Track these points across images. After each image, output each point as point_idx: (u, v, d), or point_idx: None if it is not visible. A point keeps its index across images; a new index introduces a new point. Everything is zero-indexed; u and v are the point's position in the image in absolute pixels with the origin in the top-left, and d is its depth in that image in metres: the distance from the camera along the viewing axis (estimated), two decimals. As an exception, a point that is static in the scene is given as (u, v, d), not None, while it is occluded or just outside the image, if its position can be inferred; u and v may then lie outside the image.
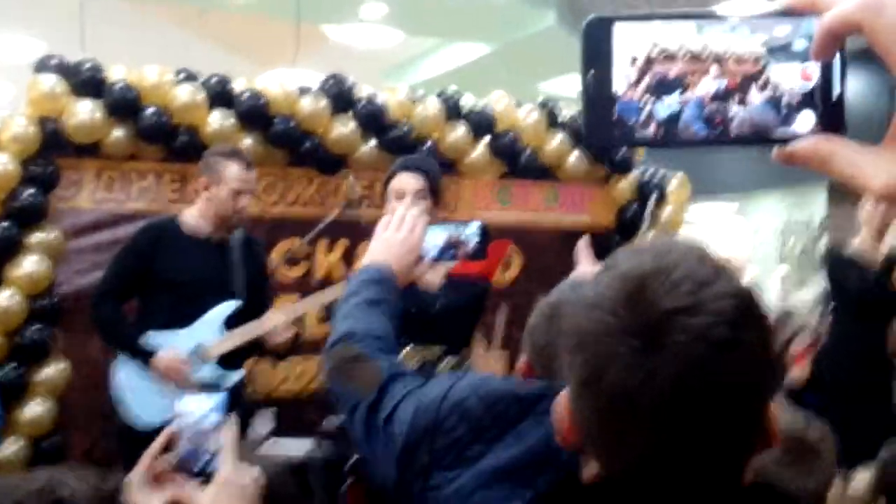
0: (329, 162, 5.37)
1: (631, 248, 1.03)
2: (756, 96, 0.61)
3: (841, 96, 0.60)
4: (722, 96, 0.62)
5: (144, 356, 3.72)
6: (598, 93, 0.62)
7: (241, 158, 3.88)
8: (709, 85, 0.61)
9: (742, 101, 0.62)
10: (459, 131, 5.70)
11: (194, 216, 3.93)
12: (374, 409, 1.43)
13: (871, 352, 4.68)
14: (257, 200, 5.28)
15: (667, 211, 6.18)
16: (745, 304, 0.92)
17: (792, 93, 0.61)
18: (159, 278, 3.80)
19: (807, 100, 0.60)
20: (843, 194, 7.94)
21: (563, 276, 2.34)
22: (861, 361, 4.74)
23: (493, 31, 10.10)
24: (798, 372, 5.89)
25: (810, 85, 0.61)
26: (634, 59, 0.62)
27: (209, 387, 3.51)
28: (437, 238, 2.29)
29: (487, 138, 5.83)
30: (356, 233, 5.45)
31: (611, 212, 6.21)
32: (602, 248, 6.53)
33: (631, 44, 0.62)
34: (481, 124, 5.78)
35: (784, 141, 0.60)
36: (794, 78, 0.61)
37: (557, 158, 5.99)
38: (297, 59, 9.80)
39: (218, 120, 4.99)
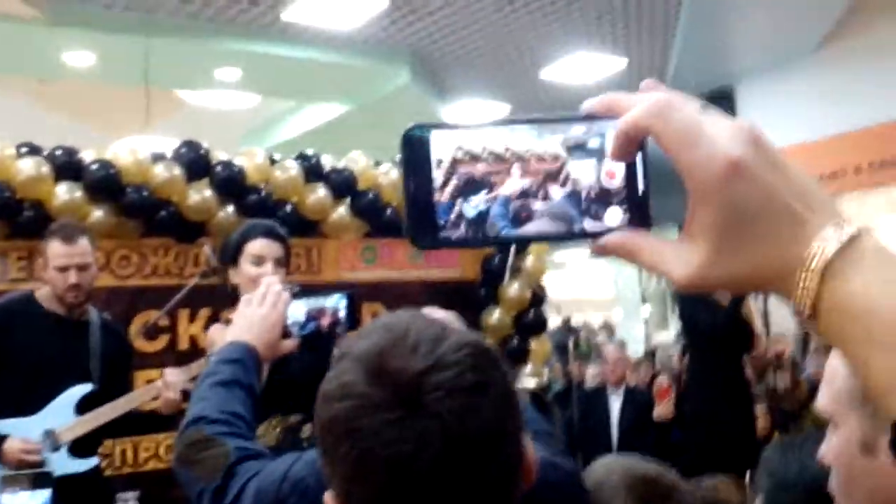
0: (186, 230, 5.25)
1: (356, 332, 1.07)
2: (557, 192, 0.64)
3: (646, 193, 0.63)
4: (526, 194, 0.64)
5: None
6: (416, 197, 0.64)
7: (61, 234, 3.68)
8: (514, 184, 0.64)
9: (545, 198, 0.64)
10: (320, 192, 5.68)
11: (48, 294, 3.75)
12: (220, 494, 1.40)
13: (729, 385, 4.88)
14: (111, 273, 5.11)
15: (528, 260, 6.31)
16: (480, 350, 0.98)
17: (596, 189, 0.64)
18: (9, 360, 3.60)
19: (615, 196, 0.63)
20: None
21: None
22: (720, 395, 4.94)
23: (349, 91, 10.18)
24: (663, 408, 6.11)
25: (616, 182, 0.64)
26: (441, 163, 0.65)
27: (40, 480, 3.33)
28: (298, 311, 2.27)
29: (349, 199, 5.83)
30: (218, 301, 5.34)
31: (476, 264, 6.30)
32: (468, 299, 6.63)
33: (442, 149, 0.65)
34: (342, 185, 5.78)
35: (597, 234, 0.63)
36: (593, 174, 0.64)
37: (419, 214, 6.04)
38: (153, 126, 9.59)
39: (65, 193, 4.81)
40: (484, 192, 0.64)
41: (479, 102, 11.33)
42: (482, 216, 0.64)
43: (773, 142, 0.58)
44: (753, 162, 0.56)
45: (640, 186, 0.64)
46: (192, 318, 5.34)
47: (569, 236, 0.65)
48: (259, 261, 3.18)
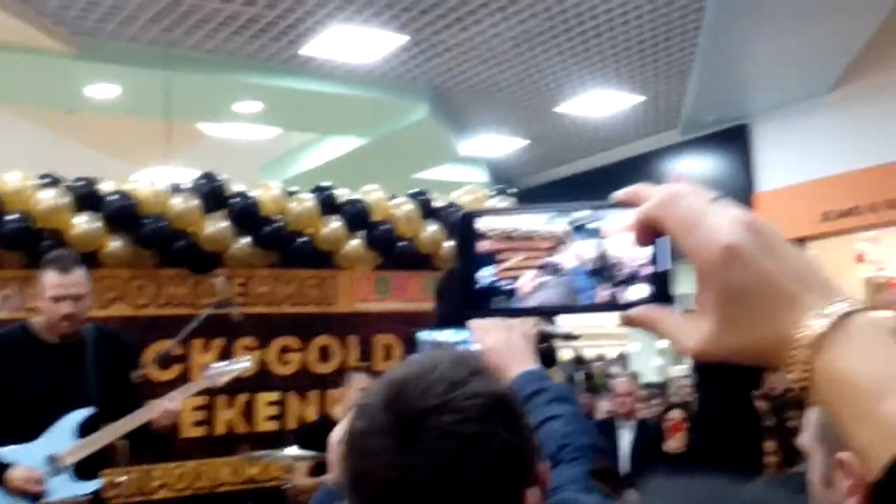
0: (202, 260, 5.32)
1: (406, 359, 1.16)
2: (581, 268, 0.73)
3: (667, 272, 0.71)
4: (549, 269, 0.73)
5: None
6: (465, 272, 0.73)
7: (57, 265, 3.71)
8: (537, 260, 0.73)
9: (564, 273, 0.73)
10: (334, 224, 5.76)
11: (42, 322, 3.79)
12: None
13: (737, 419, 4.88)
14: (127, 302, 5.19)
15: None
16: (496, 403, 1.03)
17: (626, 266, 0.72)
18: (8, 390, 3.63)
19: (641, 273, 0.72)
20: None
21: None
22: (728, 430, 4.93)
23: (368, 125, 10.29)
24: (674, 442, 6.09)
25: (643, 262, 0.72)
26: (484, 242, 0.73)
27: None
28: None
29: (363, 231, 5.90)
30: (232, 331, 5.41)
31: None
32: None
33: (485, 231, 0.73)
34: (356, 217, 5.85)
35: (624, 307, 0.71)
36: (624, 251, 0.72)
37: (433, 247, 6.10)
38: (174, 157, 9.73)
39: (83, 223, 4.90)
40: (518, 268, 0.72)
41: (496, 137, 11.41)
42: (511, 289, 0.72)
43: (774, 229, 0.64)
44: (748, 247, 0.61)
45: (663, 266, 0.71)
46: (206, 348, 5.41)
47: (598, 308, 0.72)
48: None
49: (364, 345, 5.98)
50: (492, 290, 0.72)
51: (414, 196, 6.19)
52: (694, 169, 11.18)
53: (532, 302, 0.72)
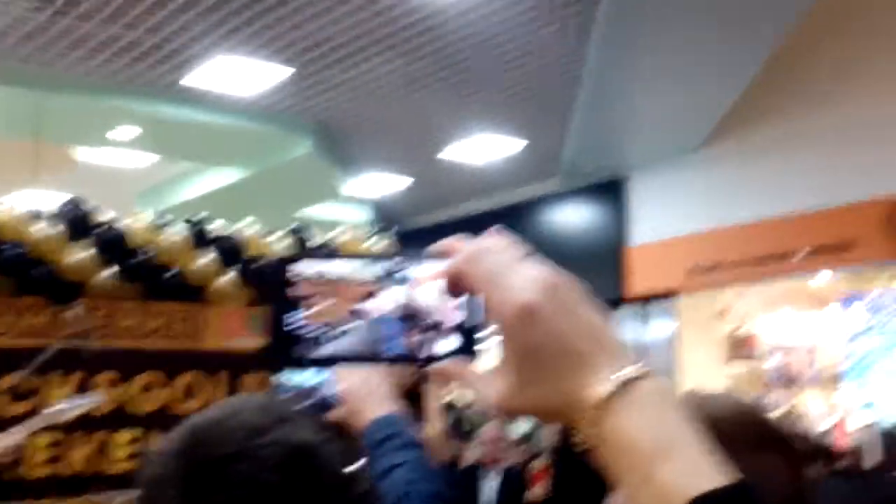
0: (63, 290, 5.10)
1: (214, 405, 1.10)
2: (388, 318, 0.72)
3: (473, 327, 0.71)
4: (358, 316, 0.71)
5: None
6: (273, 318, 0.71)
7: None
8: (346, 307, 0.71)
9: (366, 324, 0.71)
10: (206, 258, 5.62)
11: None
12: None
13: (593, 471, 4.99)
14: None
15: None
16: (300, 453, 0.99)
17: (433, 319, 0.71)
18: None
19: (449, 327, 0.71)
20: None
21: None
22: (586, 478, 5.04)
23: (250, 158, 10.17)
24: (538, 490, 6.16)
25: (450, 316, 0.71)
26: (297, 287, 0.71)
27: None
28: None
29: (236, 265, 5.78)
30: (92, 365, 5.19)
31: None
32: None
33: (298, 276, 0.72)
34: (230, 251, 5.73)
35: (434, 358, 0.71)
36: (436, 302, 0.71)
37: (307, 285, 6.02)
38: (45, 181, 9.35)
39: (-63, 246, 4.64)
40: (325, 313, 0.71)
41: (381, 177, 11.44)
42: (317, 339, 0.70)
43: (574, 288, 0.65)
44: (545, 307, 0.62)
45: (474, 320, 0.71)
46: (62, 382, 5.16)
47: (403, 359, 0.72)
48: None
49: (233, 383, 5.83)
50: (298, 338, 0.70)
51: (293, 232, 6.12)
52: (572, 219, 11.47)
53: (338, 350, 0.71)
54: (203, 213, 5.93)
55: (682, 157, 10.16)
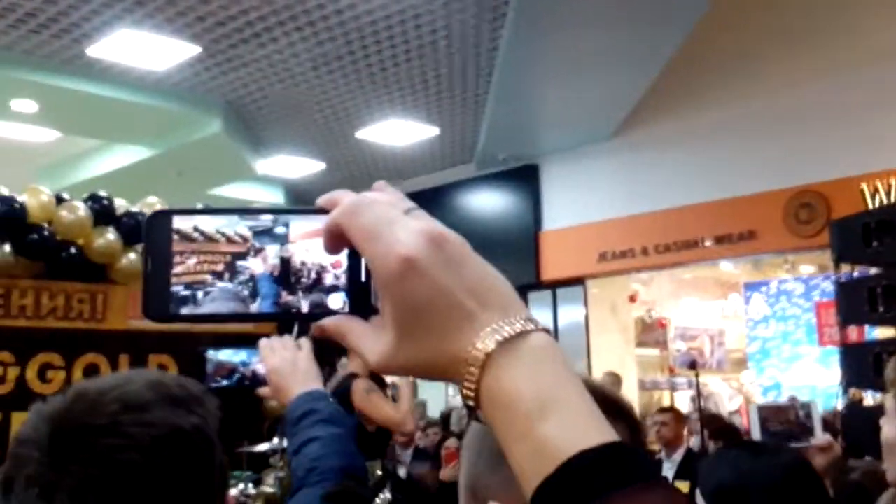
0: (-45, 267, 4.88)
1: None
2: (265, 274, 0.69)
3: (367, 283, 0.68)
4: (229, 273, 0.68)
5: None
6: (154, 274, 0.68)
7: None
8: (217, 265, 0.68)
9: (252, 280, 0.69)
10: (109, 236, 5.45)
11: None
12: None
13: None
14: None
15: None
16: (174, 437, 0.97)
17: (322, 275, 0.69)
18: None
19: (339, 283, 0.69)
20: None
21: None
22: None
23: (157, 135, 9.89)
24: (450, 471, 6.19)
25: (341, 272, 0.69)
26: (172, 244, 0.68)
27: None
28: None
29: (141, 244, 5.63)
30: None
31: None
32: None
33: (172, 232, 0.68)
34: (134, 229, 5.56)
35: (317, 316, 0.68)
36: (316, 259, 0.69)
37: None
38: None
39: None
40: (196, 272, 0.68)
41: (294, 159, 11.29)
42: (189, 296, 0.67)
43: (460, 243, 0.62)
44: (426, 260, 0.60)
45: (362, 276, 0.68)
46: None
47: (278, 317, 0.69)
48: None
49: (136, 364, 5.67)
50: (170, 295, 0.67)
51: (199, 211, 5.98)
52: (487, 204, 11.53)
53: (209, 308, 0.67)
54: (112, 192, 5.74)
55: (594, 145, 10.30)
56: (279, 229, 0.69)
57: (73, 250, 5.29)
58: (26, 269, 5.23)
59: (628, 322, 11.21)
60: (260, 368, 2.27)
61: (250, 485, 5.09)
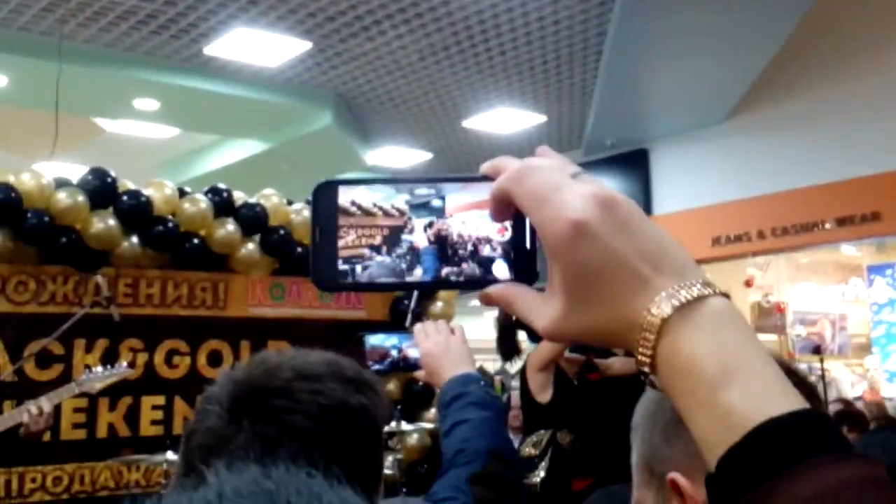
0: (87, 258, 5.14)
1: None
2: (431, 245, 0.70)
3: (532, 249, 0.67)
4: (393, 245, 0.69)
5: None
6: (323, 245, 0.69)
7: None
8: (374, 237, 0.70)
9: (419, 251, 0.70)
10: (229, 227, 5.65)
11: None
12: None
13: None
14: (6, 298, 4.99)
15: (438, 306, 6.36)
16: (342, 410, 1.03)
17: (485, 243, 0.69)
18: None
19: (503, 251, 0.68)
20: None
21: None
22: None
23: (270, 129, 10.16)
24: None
25: (505, 239, 0.69)
26: (340, 215, 0.70)
27: None
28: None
29: (258, 235, 5.81)
30: (117, 332, 5.24)
31: (385, 306, 6.32)
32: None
33: (344, 202, 0.70)
34: (252, 221, 5.75)
35: (483, 284, 0.68)
36: (477, 229, 0.69)
37: (329, 254, 6.03)
38: (68, 152, 9.41)
39: (-37, 215, 4.69)
40: (368, 245, 0.69)
41: (401, 150, 11.41)
42: (366, 266, 0.69)
43: (631, 206, 0.61)
44: (598, 224, 0.58)
45: (527, 244, 0.68)
46: (88, 349, 5.22)
47: (437, 286, 0.70)
48: None
49: (256, 350, 5.84)
50: (336, 265, 0.69)
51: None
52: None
53: (373, 277, 0.69)
54: (225, 185, 5.95)
55: (705, 129, 10.07)
56: (436, 202, 0.69)
57: (195, 241, 5.51)
58: (152, 260, 5.47)
59: (744, 307, 10.92)
60: (412, 352, 2.35)
61: (367, 467, 5.21)
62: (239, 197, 5.86)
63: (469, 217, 0.69)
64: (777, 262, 11.10)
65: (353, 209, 0.69)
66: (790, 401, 0.53)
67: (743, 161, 9.81)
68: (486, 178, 0.66)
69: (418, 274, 0.68)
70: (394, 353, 2.57)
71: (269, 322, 5.91)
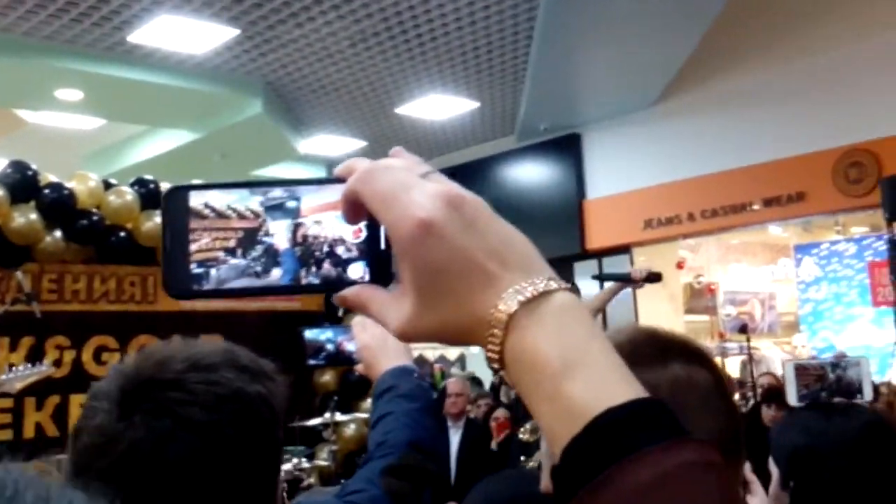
0: (9, 254, 4.99)
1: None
2: (285, 248, 0.68)
3: (387, 251, 0.67)
4: (247, 249, 0.68)
5: None
6: (174, 250, 0.67)
7: None
8: (231, 240, 0.68)
9: (274, 254, 0.68)
10: (157, 220, 5.53)
11: None
12: None
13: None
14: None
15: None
16: (237, 400, 0.99)
17: (339, 245, 0.68)
18: None
19: (358, 253, 0.68)
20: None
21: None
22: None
23: (200, 119, 9.97)
24: (501, 440, 6.23)
25: (360, 241, 0.68)
26: (192, 219, 0.68)
27: None
28: None
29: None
30: (43, 329, 5.11)
31: (320, 296, 6.26)
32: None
33: (195, 206, 0.68)
34: (181, 212, 5.64)
35: (338, 287, 0.67)
36: (333, 231, 0.68)
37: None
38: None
39: None
40: (214, 249, 0.67)
41: (335, 138, 11.32)
42: (207, 273, 0.67)
43: (479, 204, 0.61)
44: (444, 223, 0.58)
45: (382, 245, 0.67)
46: (12, 347, 5.08)
47: (300, 289, 0.68)
48: None
49: (188, 345, 5.77)
50: (189, 271, 0.67)
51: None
52: (529, 175, 11.48)
53: (232, 284, 0.67)
54: (153, 176, 5.83)
55: (636, 112, 10.18)
56: (290, 203, 0.68)
57: (122, 234, 5.39)
58: (77, 255, 5.34)
59: (676, 289, 11.10)
60: (349, 346, 2.33)
61: (304, 459, 5.17)
62: (165, 187, 5.74)
63: (326, 218, 0.68)
64: (707, 243, 11.30)
65: (207, 211, 0.67)
66: (630, 390, 0.54)
67: (673, 144, 9.96)
68: (341, 180, 0.65)
69: (276, 276, 0.67)
70: (329, 346, 2.55)
71: (202, 315, 5.81)
